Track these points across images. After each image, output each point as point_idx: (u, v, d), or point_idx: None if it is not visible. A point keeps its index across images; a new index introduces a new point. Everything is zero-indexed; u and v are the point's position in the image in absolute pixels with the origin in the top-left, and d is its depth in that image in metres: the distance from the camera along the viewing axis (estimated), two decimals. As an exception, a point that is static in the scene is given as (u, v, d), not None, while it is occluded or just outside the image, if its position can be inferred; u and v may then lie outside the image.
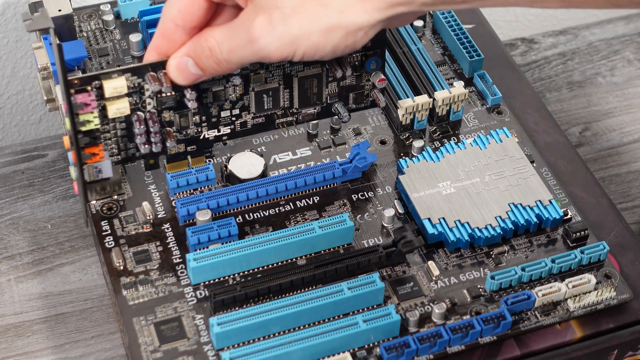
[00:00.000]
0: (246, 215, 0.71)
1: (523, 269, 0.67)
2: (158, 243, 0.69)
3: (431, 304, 0.67)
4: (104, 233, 0.70)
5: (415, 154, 0.74)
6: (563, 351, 0.66)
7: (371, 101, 0.73)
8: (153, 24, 0.78)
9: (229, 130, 0.71)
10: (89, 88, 0.65)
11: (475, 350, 0.65)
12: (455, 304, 0.67)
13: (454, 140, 0.76)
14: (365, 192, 0.72)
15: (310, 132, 0.76)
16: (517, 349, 0.66)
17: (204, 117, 0.69)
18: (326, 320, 0.65)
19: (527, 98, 0.80)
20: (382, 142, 0.76)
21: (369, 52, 0.70)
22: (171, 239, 0.69)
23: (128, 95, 0.66)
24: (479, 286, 0.67)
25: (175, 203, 0.70)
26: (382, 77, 0.71)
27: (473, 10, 0.85)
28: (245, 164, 0.72)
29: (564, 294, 0.67)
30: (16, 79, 0.93)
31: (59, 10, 0.75)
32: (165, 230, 0.70)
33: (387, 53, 0.78)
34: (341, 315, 0.65)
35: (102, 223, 0.70)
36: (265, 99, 0.70)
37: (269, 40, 0.60)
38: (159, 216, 0.71)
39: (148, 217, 0.71)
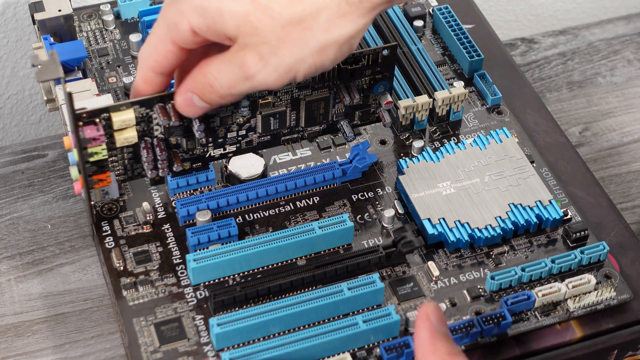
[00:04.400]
0: (246, 215, 0.71)
1: (523, 269, 0.67)
2: (158, 243, 0.69)
3: (431, 304, 0.67)
4: (104, 233, 0.70)
5: (415, 154, 0.74)
6: (563, 351, 0.66)
7: (376, 117, 0.73)
8: (153, 24, 0.78)
9: (234, 149, 0.70)
10: (97, 120, 0.64)
11: (475, 351, 0.65)
12: (455, 305, 0.67)
13: (454, 140, 0.76)
14: (365, 193, 0.72)
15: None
16: (517, 349, 0.66)
17: (210, 139, 0.69)
18: (326, 320, 0.65)
19: (527, 98, 0.80)
20: (382, 142, 0.76)
21: (377, 75, 0.70)
22: (171, 239, 0.69)
23: (136, 124, 0.66)
24: (478, 286, 0.67)
25: (175, 203, 0.70)
26: (390, 99, 0.71)
27: (473, 10, 0.85)
28: (245, 164, 0.72)
29: (563, 294, 0.67)
30: (16, 79, 0.93)
31: (59, 10, 0.75)
32: (165, 230, 0.70)
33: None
34: (341, 316, 0.65)
35: (102, 223, 0.70)
36: (272, 121, 0.70)
37: (266, 74, 0.60)
38: (159, 216, 0.71)
39: (148, 218, 0.71)
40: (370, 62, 0.69)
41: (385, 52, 0.69)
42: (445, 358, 0.57)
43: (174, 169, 0.68)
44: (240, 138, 0.70)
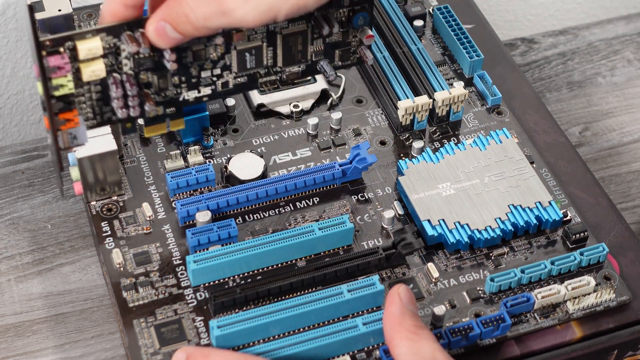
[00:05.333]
0: (246, 216, 0.71)
1: (522, 271, 0.67)
2: (158, 244, 0.69)
3: (430, 306, 0.67)
4: (104, 234, 0.70)
5: (415, 155, 0.75)
6: (563, 351, 0.66)
7: (358, 58, 0.70)
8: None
9: (209, 91, 0.67)
10: (61, 50, 0.61)
11: (474, 353, 0.65)
12: (454, 306, 0.67)
13: (454, 141, 0.76)
14: (365, 194, 0.72)
15: (310, 132, 0.76)
16: (517, 349, 0.66)
17: (183, 78, 0.66)
18: (326, 322, 0.65)
19: (527, 98, 0.80)
20: (382, 143, 0.76)
21: (356, 7, 0.67)
22: (171, 240, 0.69)
23: (103, 56, 0.63)
24: (478, 288, 0.68)
25: (175, 204, 0.71)
26: (370, 33, 0.68)
27: (473, 10, 0.85)
28: (245, 164, 0.73)
29: (563, 296, 0.67)
30: (16, 79, 0.93)
31: (59, 10, 0.75)
32: (165, 231, 0.70)
33: (387, 52, 0.79)
34: (341, 318, 0.65)
35: (102, 224, 0.70)
36: (248, 58, 0.66)
37: (245, 11, 0.57)
38: (159, 217, 0.71)
39: (148, 218, 0.71)
40: None
41: None
42: (411, 329, 0.60)
43: (146, 108, 0.65)
44: (215, 78, 0.67)
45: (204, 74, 0.66)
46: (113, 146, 0.69)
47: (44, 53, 0.61)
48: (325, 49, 0.69)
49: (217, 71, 0.67)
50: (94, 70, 0.63)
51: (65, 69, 0.62)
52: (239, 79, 0.68)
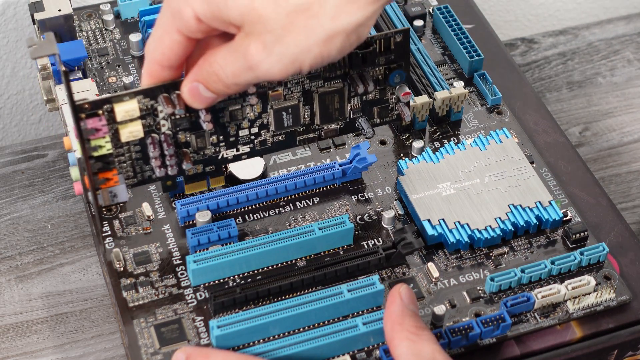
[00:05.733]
0: (246, 216, 0.71)
1: (522, 271, 0.67)
2: (158, 244, 0.69)
3: (430, 305, 0.67)
4: (104, 234, 0.70)
5: (415, 155, 0.75)
6: (563, 351, 0.66)
7: (396, 115, 0.70)
8: (153, 23, 0.78)
9: (248, 149, 0.68)
10: (99, 112, 0.63)
11: (474, 353, 0.65)
12: (454, 306, 0.67)
13: (454, 140, 0.76)
14: (365, 193, 0.72)
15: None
16: (517, 349, 0.66)
17: (221, 137, 0.67)
18: (326, 322, 0.65)
19: (527, 98, 0.80)
20: (382, 143, 0.76)
21: (392, 65, 0.67)
22: (171, 240, 0.69)
23: (141, 117, 0.64)
24: (478, 288, 0.67)
25: (175, 204, 0.70)
26: (407, 90, 0.69)
27: (473, 10, 0.85)
28: (245, 164, 0.72)
29: (563, 296, 0.67)
30: (16, 79, 0.93)
31: (59, 10, 0.75)
32: (165, 231, 0.70)
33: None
34: (341, 318, 0.65)
35: (103, 224, 0.70)
36: (285, 117, 0.67)
37: (270, 64, 0.58)
38: (159, 217, 0.71)
39: (148, 218, 0.71)
40: (383, 49, 0.66)
41: (397, 37, 0.66)
42: (411, 330, 0.60)
43: (184, 166, 0.66)
44: (253, 137, 0.67)
45: (241, 133, 0.67)
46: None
47: (82, 115, 0.62)
48: (363, 106, 0.69)
49: (255, 130, 0.67)
50: (132, 132, 0.64)
51: (103, 130, 0.63)
52: (277, 137, 0.68)
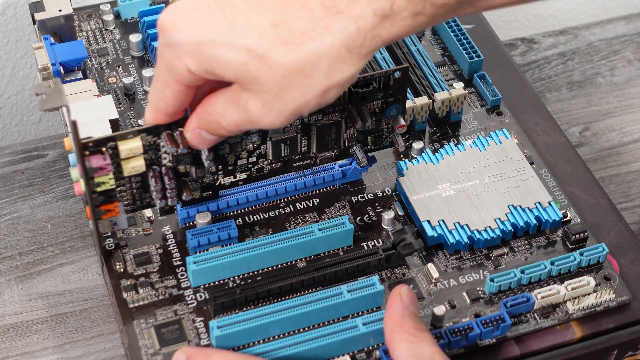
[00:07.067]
0: (246, 217, 0.71)
1: (522, 272, 0.67)
2: (158, 245, 0.69)
3: (430, 306, 0.67)
4: (104, 235, 0.70)
5: (414, 156, 0.75)
6: (563, 351, 0.66)
7: (390, 142, 0.71)
8: (153, 24, 0.78)
9: (245, 176, 0.69)
10: (103, 149, 0.63)
11: (474, 353, 0.65)
12: (454, 307, 0.67)
13: (454, 141, 0.76)
14: (364, 194, 0.72)
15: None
16: (517, 349, 0.66)
17: (220, 166, 0.68)
18: (326, 323, 0.65)
19: (527, 98, 0.80)
20: (382, 143, 0.76)
21: (389, 99, 0.68)
22: (171, 241, 0.70)
23: (144, 152, 0.65)
24: (478, 288, 0.68)
25: (176, 206, 0.70)
26: (403, 123, 0.69)
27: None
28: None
29: (563, 297, 0.67)
30: (16, 79, 0.93)
31: (59, 10, 0.75)
32: (166, 232, 0.70)
33: (386, 52, 0.79)
34: (341, 318, 0.65)
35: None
36: (283, 147, 0.69)
37: (271, 119, 0.59)
38: (159, 218, 0.71)
39: (148, 219, 0.71)
40: (382, 85, 0.68)
41: (397, 74, 0.67)
42: (411, 331, 0.60)
43: (184, 197, 0.67)
44: (250, 165, 0.69)
45: (239, 162, 0.68)
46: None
47: (86, 153, 0.63)
48: (357, 136, 0.70)
49: (253, 159, 0.69)
50: (134, 167, 0.65)
51: (107, 169, 0.64)
52: (273, 165, 0.70)
